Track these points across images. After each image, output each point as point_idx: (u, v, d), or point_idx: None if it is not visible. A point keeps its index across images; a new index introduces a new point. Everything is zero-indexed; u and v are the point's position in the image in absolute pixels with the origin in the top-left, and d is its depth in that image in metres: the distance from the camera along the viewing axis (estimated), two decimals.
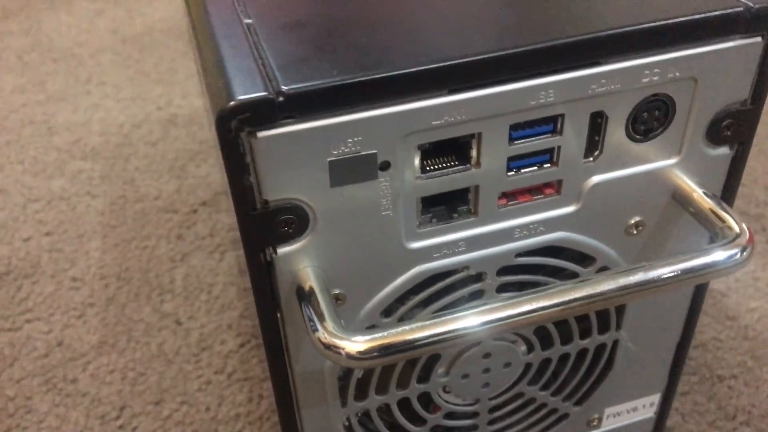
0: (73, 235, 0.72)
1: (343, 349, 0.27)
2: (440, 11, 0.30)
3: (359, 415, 0.36)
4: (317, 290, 0.29)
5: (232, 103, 0.24)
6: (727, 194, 0.34)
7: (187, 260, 0.69)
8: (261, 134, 0.25)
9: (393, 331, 0.27)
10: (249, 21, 0.29)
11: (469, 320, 0.27)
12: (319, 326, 0.27)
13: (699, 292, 0.38)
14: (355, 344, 0.27)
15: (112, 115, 0.91)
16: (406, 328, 0.27)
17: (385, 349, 0.27)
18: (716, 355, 0.58)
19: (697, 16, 0.28)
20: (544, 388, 0.39)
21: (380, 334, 0.27)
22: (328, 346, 0.27)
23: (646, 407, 0.43)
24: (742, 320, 0.61)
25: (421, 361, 0.35)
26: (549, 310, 0.28)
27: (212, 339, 0.61)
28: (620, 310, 0.37)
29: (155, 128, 0.88)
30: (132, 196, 0.77)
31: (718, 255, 0.29)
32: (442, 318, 0.27)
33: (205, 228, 0.73)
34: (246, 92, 0.25)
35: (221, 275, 0.67)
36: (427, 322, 0.27)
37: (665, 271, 0.29)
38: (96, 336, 0.62)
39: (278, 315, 0.31)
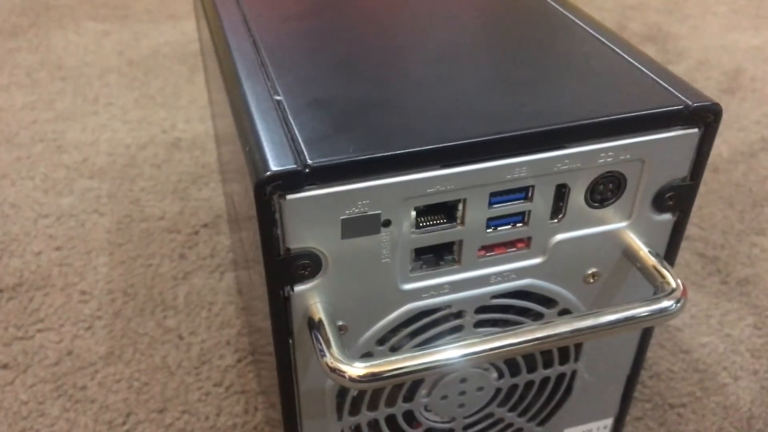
0: (81, 250, 0.77)
1: (346, 373, 0.33)
2: (437, 94, 0.36)
3: (352, 429, 0.42)
4: (325, 322, 0.34)
5: (268, 173, 0.30)
6: (669, 252, 0.40)
7: (189, 279, 0.74)
8: (289, 197, 0.31)
9: (387, 359, 0.33)
10: (278, 98, 0.35)
11: (451, 353, 0.33)
12: (327, 353, 0.33)
13: (646, 333, 0.44)
14: (356, 369, 0.33)
15: (118, 136, 0.96)
16: (398, 357, 0.33)
17: (380, 375, 0.33)
18: (669, 385, 0.65)
19: (646, 112, 0.35)
20: (512, 409, 0.45)
21: (377, 362, 0.33)
22: (334, 370, 0.33)
23: (600, 429, 0.49)
24: (695, 354, 0.68)
25: (407, 383, 0.41)
26: (517, 346, 0.34)
27: (212, 354, 0.66)
28: (578, 345, 0.43)
29: (160, 151, 0.93)
30: (137, 215, 0.82)
31: (658, 305, 0.35)
32: (428, 350, 0.33)
33: (206, 249, 0.78)
34: (279, 164, 0.31)
35: (221, 294, 0.73)
36: (415, 353, 0.33)
37: (613, 318, 0.35)
38: (104, 347, 0.67)
39: (290, 341, 0.36)
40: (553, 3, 0.46)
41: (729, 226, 0.84)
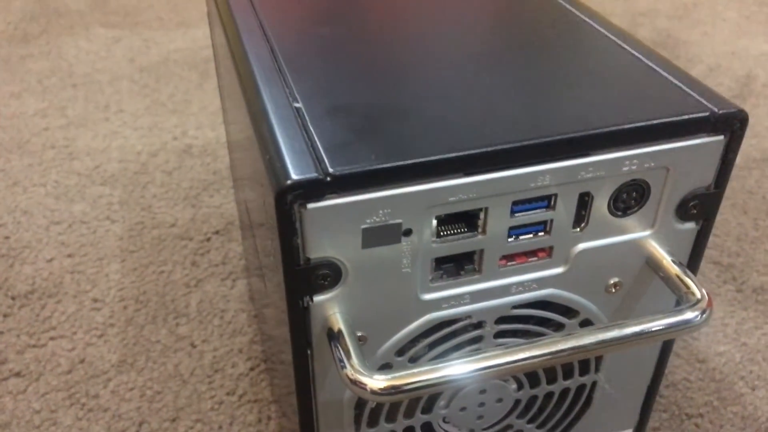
0: (93, 257, 0.77)
1: (367, 385, 0.32)
2: (458, 101, 0.35)
3: None
4: (345, 333, 0.34)
5: (289, 181, 0.30)
6: (692, 262, 0.40)
7: (201, 286, 0.74)
8: (310, 206, 0.31)
9: (408, 372, 0.32)
10: (297, 105, 0.35)
11: (473, 365, 0.33)
12: (347, 364, 0.33)
13: (667, 344, 0.44)
14: (377, 382, 0.32)
15: (129, 143, 0.96)
16: (420, 370, 0.32)
17: (401, 388, 0.32)
18: (685, 395, 0.64)
19: (671, 119, 0.34)
20: (531, 421, 0.44)
21: (398, 374, 0.32)
22: (354, 382, 0.32)
23: None
24: (711, 363, 0.67)
25: (426, 395, 0.40)
26: (540, 359, 0.33)
27: (224, 362, 0.66)
28: (599, 356, 0.42)
29: (171, 157, 0.93)
30: (149, 222, 0.82)
31: (682, 317, 0.35)
32: (450, 363, 0.33)
33: (218, 256, 0.78)
34: (300, 173, 0.30)
35: (233, 301, 0.72)
36: (437, 366, 0.33)
37: (638, 329, 0.34)
38: (116, 355, 0.66)
39: (308, 352, 0.36)
40: (571, 8, 0.45)
41: (743, 233, 0.83)
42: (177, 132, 0.98)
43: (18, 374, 0.65)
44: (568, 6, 0.46)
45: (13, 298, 0.72)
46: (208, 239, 0.80)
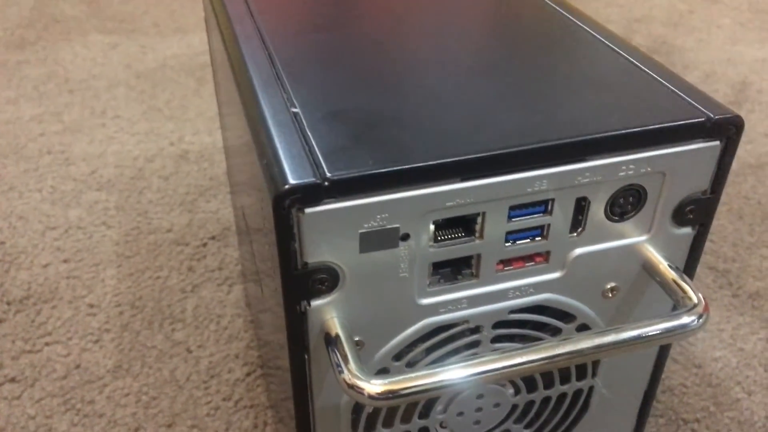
0: (89, 263, 0.77)
1: (364, 390, 0.32)
2: (455, 107, 0.36)
3: None
4: (343, 338, 0.34)
5: (287, 186, 0.30)
6: (689, 266, 0.40)
7: (197, 291, 0.74)
8: (308, 210, 0.31)
9: (405, 376, 0.32)
10: (295, 110, 0.35)
11: (469, 369, 0.33)
12: (344, 369, 0.33)
13: (663, 349, 0.44)
14: (374, 386, 0.32)
15: (126, 149, 0.96)
16: (416, 374, 0.32)
17: (398, 392, 0.32)
18: (682, 400, 0.64)
19: (668, 124, 0.34)
20: (528, 426, 0.44)
21: (395, 379, 0.32)
22: (352, 386, 0.32)
23: None
24: (707, 368, 0.67)
25: (423, 399, 0.40)
26: (537, 363, 0.33)
27: (220, 367, 0.66)
28: (596, 361, 0.42)
29: (167, 163, 0.93)
30: (145, 227, 0.82)
31: (679, 321, 0.35)
32: (446, 367, 0.33)
33: (215, 261, 0.78)
34: (298, 177, 0.30)
35: (229, 307, 0.72)
36: (433, 370, 0.33)
37: (634, 334, 0.34)
38: (111, 360, 0.66)
39: (305, 356, 0.36)
40: (567, 15, 0.46)
41: (739, 238, 0.83)
42: (174, 137, 0.98)
43: (13, 380, 0.64)
44: (564, 12, 0.46)
45: (8, 304, 0.72)
46: (205, 245, 0.80)
